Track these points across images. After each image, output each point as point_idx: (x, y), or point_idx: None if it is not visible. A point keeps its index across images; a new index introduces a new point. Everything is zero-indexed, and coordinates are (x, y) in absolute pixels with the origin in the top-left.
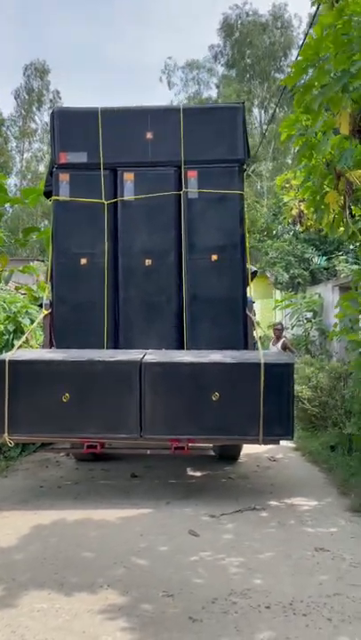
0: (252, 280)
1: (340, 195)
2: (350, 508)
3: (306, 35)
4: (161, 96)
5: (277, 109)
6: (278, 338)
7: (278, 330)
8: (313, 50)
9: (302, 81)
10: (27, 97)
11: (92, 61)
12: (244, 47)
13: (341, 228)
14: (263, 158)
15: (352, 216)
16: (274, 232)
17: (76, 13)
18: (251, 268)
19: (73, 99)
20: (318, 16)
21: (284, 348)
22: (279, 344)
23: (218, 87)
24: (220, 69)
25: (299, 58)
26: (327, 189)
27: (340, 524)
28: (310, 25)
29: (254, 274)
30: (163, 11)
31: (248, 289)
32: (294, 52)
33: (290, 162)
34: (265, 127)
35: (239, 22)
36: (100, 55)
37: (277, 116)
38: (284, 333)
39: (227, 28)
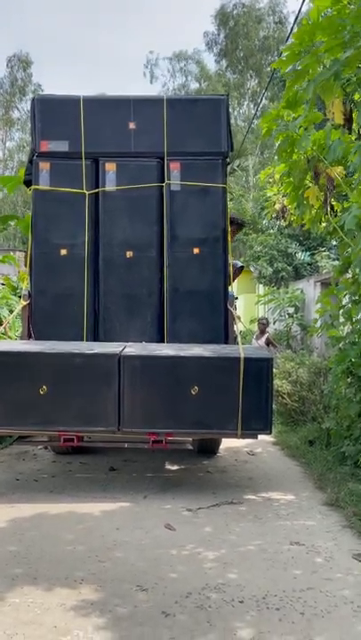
0: (238, 275)
1: (321, 190)
2: (326, 502)
3: (291, 31)
4: (147, 88)
5: (266, 102)
6: (262, 332)
7: (263, 324)
8: (308, 35)
9: (294, 67)
10: (10, 88)
11: (75, 51)
12: (239, 38)
13: (323, 224)
14: (250, 152)
15: (333, 212)
16: (259, 226)
17: (57, 2)
18: (236, 262)
19: (54, 89)
20: (313, 0)
21: (268, 342)
22: (263, 339)
23: (200, 81)
24: (211, 59)
25: (291, 41)
26: (309, 185)
27: (317, 518)
28: (295, 20)
29: (240, 269)
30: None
31: (229, 283)
32: None
33: (276, 157)
34: (252, 121)
35: (235, 12)
36: (84, 45)
37: (266, 109)
38: (267, 328)
39: (222, 16)
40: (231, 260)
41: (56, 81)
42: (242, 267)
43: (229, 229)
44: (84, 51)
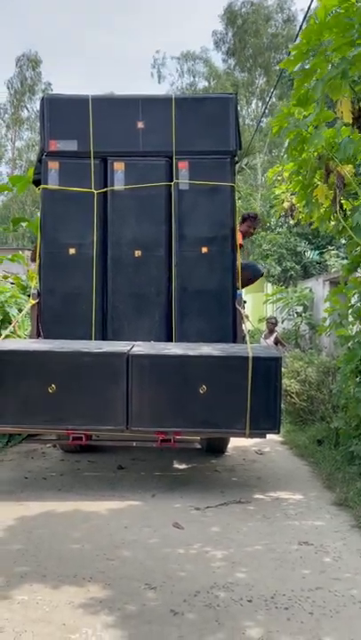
0: (256, 279)
1: (331, 189)
2: (335, 502)
3: (300, 28)
4: (151, 87)
5: (274, 100)
6: (271, 332)
7: (272, 324)
8: (315, 34)
9: (302, 66)
10: (19, 87)
11: (76, 51)
12: (247, 36)
13: (332, 223)
14: (258, 151)
15: (343, 210)
16: (268, 225)
17: (59, 1)
18: (260, 268)
19: (58, 88)
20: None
21: (277, 342)
22: (271, 338)
23: (209, 79)
24: (219, 57)
25: (299, 40)
26: (318, 183)
27: (325, 518)
28: (305, 17)
29: (260, 275)
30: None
31: (238, 282)
32: None
33: (284, 155)
34: (261, 119)
35: (243, 10)
36: (85, 45)
37: (275, 109)
38: (276, 328)
39: (230, 14)
40: (259, 265)
41: (58, 80)
42: (262, 273)
43: (249, 225)
44: (85, 50)
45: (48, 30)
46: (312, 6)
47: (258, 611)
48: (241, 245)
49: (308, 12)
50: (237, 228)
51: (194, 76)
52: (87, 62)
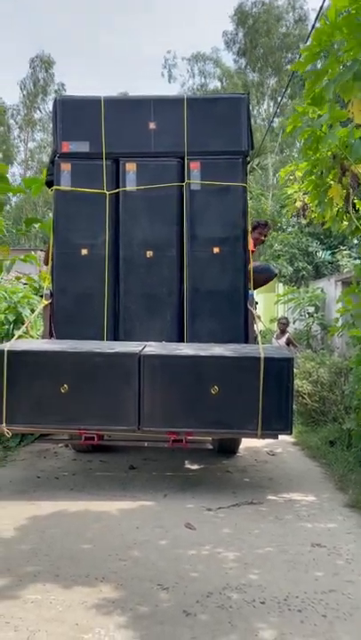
0: (270, 280)
1: (344, 188)
2: (348, 504)
3: (313, 27)
4: (154, 87)
5: (286, 100)
6: (283, 332)
7: (283, 324)
8: (326, 35)
9: (314, 67)
10: (32, 88)
11: (78, 50)
12: (258, 36)
13: (345, 222)
14: (270, 151)
15: (356, 210)
16: (279, 225)
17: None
18: (274, 269)
19: (68, 89)
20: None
21: (288, 342)
22: (283, 338)
23: (221, 80)
24: (230, 58)
25: (310, 42)
26: (331, 183)
27: (338, 520)
28: (317, 17)
29: (274, 276)
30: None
31: (250, 283)
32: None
33: (296, 155)
34: (272, 119)
35: (254, 10)
36: (87, 44)
37: (286, 108)
38: (287, 328)
39: (240, 14)
40: (272, 267)
41: (57, 79)
42: (275, 273)
43: (260, 232)
44: (84, 50)
45: (48, 30)
46: (324, 5)
47: (271, 612)
48: (253, 252)
49: (320, 11)
50: (249, 230)
51: (205, 77)
52: (87, 62)
